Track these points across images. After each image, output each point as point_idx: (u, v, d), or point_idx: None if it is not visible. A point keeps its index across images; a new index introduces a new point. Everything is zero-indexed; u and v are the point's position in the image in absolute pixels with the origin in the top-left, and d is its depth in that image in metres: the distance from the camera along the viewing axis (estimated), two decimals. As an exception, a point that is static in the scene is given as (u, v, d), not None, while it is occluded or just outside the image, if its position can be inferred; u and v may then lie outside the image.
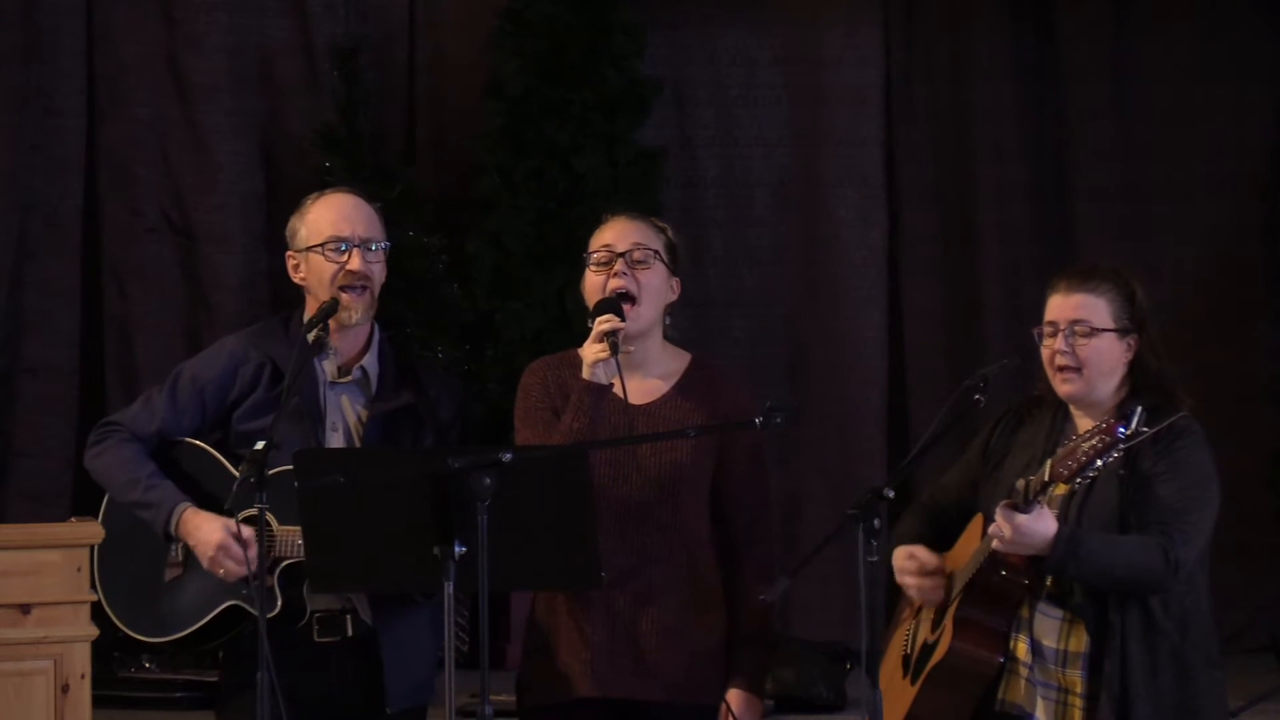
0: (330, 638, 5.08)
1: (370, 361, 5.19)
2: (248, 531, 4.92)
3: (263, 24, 9.94)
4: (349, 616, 5.09)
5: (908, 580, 5.07)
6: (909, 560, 5.06)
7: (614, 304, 5.02)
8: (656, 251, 5.10)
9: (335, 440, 5.11)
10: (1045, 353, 4.98)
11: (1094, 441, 4.65)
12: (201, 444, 5.14)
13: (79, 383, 9.68)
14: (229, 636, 5.06)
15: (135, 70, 9.79)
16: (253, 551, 4.92)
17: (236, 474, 4.96)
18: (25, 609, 4.81)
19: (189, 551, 5.06)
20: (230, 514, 4.91)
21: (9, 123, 9.57)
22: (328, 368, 5.16)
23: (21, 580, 4.81)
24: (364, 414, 5.15)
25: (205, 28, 9.81)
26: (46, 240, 9.70)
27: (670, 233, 5.19)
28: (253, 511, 4.85)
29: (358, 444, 5.11)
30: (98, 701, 4.95)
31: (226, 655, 5.16)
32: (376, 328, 5.22)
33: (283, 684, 4.71)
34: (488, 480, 4.54)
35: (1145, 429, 4.70)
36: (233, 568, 4.95)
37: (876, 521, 4.60)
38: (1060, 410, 5.03)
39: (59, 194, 9.71)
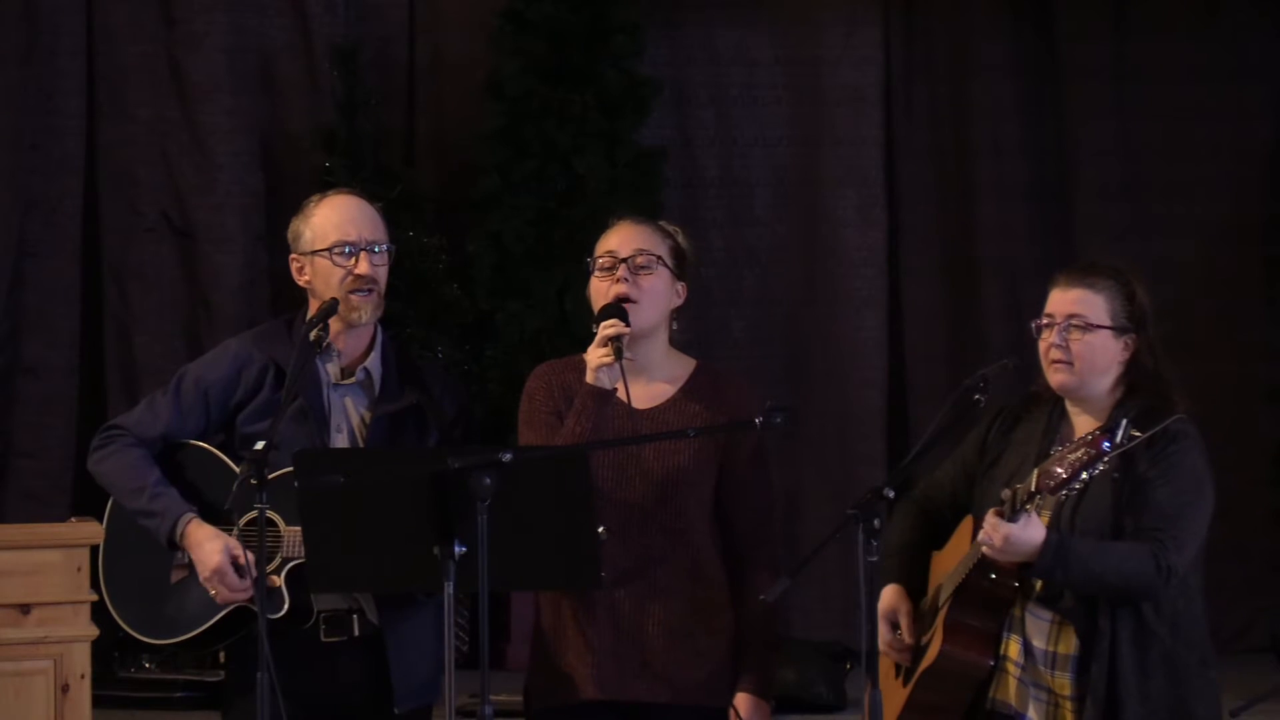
0: (337, 637, 5.08)
1: (374, 363, 5.19)
2: (246, 555, 4.94)
3: (263, 24, 9.93)
4: (355, 616, 5.09)
5: (882, 641, 5.07)
6: (887, 628, 5.07)
7: (618, 309, 5.01)
8: (660, 257, 5.09)
9: (340, 442, 5.12)
10: (1041, 345, 4.99)
11: (1079, 454, 4.66)
12: (207, 446, 5.14)
13: (79, 383, 9.68)
14: (236, 637, 5.06)
15: (135, 70, 9.79)
16: (250, 580, 4.93)
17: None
18: (25, 609, 4.81)
19: None
20: (231, 515, 4.91)
21: (9, 123, 9.56)
22: (331, 370, 5.16)
23: (21, 580, 4.80)
24: (367, 415, 5.15)
25: (205, 28, 9.81)
26: (46, 240, 9.69)
27: (679, 237, 5.17)
28: (255, 514, 4.86)
29: (362, 445, 5.11)
30: (98, 701, 4.95)
31: (231, 656, 5.16)
32: (379, 329, 5.22)
33: (290, 684, 4.72)
34: (488, 480, 4.54)
35: (1137, 434, 4.71)
36: (225, 594, 4.97)
37: (876, 521, 4.60)
38: (1057, 409, 5.03)
39: (59, 194, 9.71)
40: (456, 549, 4.60)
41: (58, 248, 9.70)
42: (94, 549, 5.04)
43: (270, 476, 4.84)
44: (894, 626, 5.10)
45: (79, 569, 4.86)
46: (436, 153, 10.13)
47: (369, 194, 5.38)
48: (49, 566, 4.83)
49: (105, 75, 9.77)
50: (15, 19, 9.57)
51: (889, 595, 5.10)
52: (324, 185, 5.46)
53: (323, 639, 5.07)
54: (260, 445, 4.73)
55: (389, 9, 10.11)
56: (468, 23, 10.00)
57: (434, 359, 9.28)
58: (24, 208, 9.64)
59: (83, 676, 4.84)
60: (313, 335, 5.03)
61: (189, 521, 5.01)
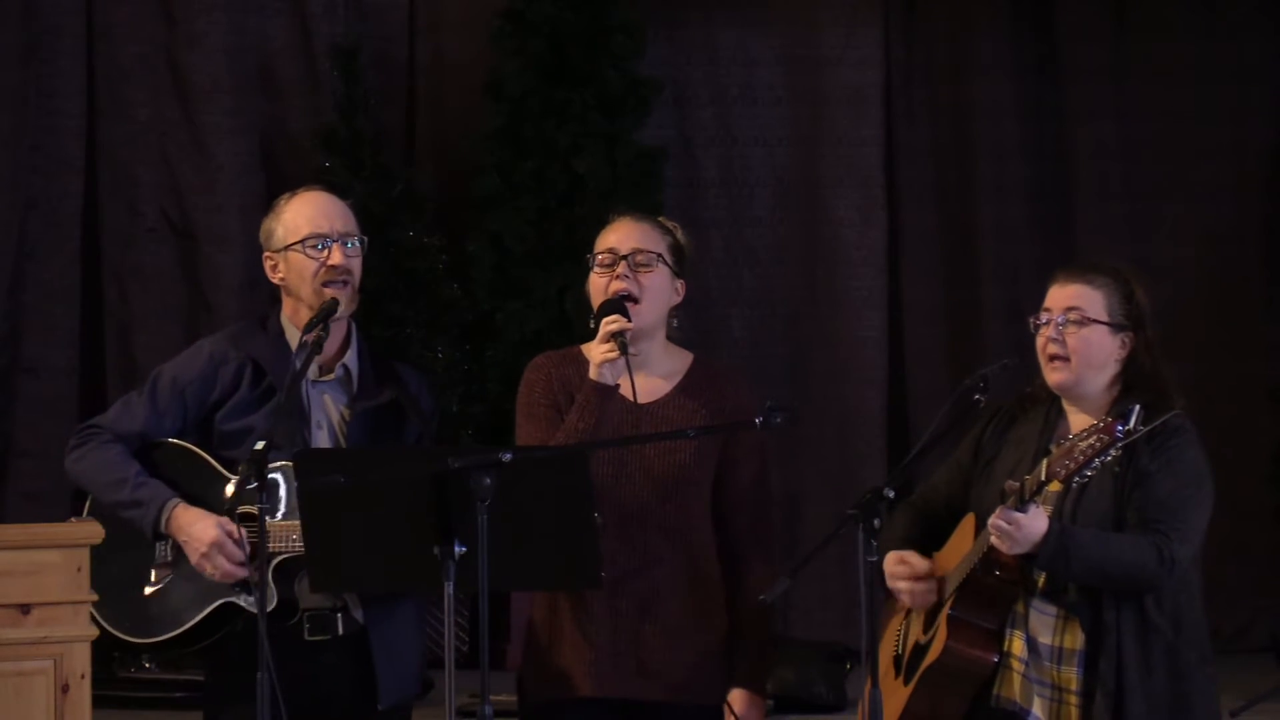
0: (321, 635, 5.07)
1: (351, 359, 5.18)
2: (241, 531, 4.93)
3: (263, 24, 9.95)
4: (340, 615, 5.08)
5: (900, 585, 5.07)
6: (900, 565, 5.06)
7: (619, 304, 5.01)
8: (659, 255, 5.09)
9: (320, 438, 5.11)
10: (1039, 341, 4.99)
11: (1092, 440, 4.65)
12: (185, 443, 5.13)
13: (79, 383, 9.69)
14: (220, 635, 5.05)
15: (135, 70, 9.80)
16: (246, 554, 4.93)
17: (223, 471, 5.01)
18: (25, 609, 4.80)
19: (179, 550, 5.05)
20: (229, 513, 4.92)
21: (9, 123, 9.57)
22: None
23: (21, 580, 4.80)
24: (347, 412, 5.14)
25: (205, 28, 9.82)
26: (46, 240, 9.70)
27: (678, 234, 5.17)
28: (249, 508, 4.87)
29: (342, 442, 5.10)
30: (98, 701, 4.94)
31: (215, 657, 5.14)
32: (353, 325, 5.21)
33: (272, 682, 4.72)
34: (488, 480, 4.54)
35: (1143, 427, 4.71)
36: (225, 566, 4.94)
37: (876, 521, 4.60)
38: (1054, 407, 5.04)
39: (59, 194, 9.72)
40: (456, 549, 4.60)
41: (58, 248, 9.71)
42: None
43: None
44: (907, 571, 5.06)
45: (79, 569, 4.85)
46: (436, 153, 10.14)
47: (370, 194, 5.37)
48: (49, 566, 4.82)
49: (105, 75, 9.78)
50: (15, 19, 9.57)
51: (890, 554, 5.08)
52: (324, 185, 5.45)
53: (306, 637, 5.06)
54: (260, 445, 4.73)
55: (389, 9, 10.12)
56: (468, 23, 10.01)
57: (434, 359, 9.29)
58: (24, 208, 9.65)
59: (83, 676, 4.84)
60: (312, 337, 5.03)
61: (175, 506, 5.00)
